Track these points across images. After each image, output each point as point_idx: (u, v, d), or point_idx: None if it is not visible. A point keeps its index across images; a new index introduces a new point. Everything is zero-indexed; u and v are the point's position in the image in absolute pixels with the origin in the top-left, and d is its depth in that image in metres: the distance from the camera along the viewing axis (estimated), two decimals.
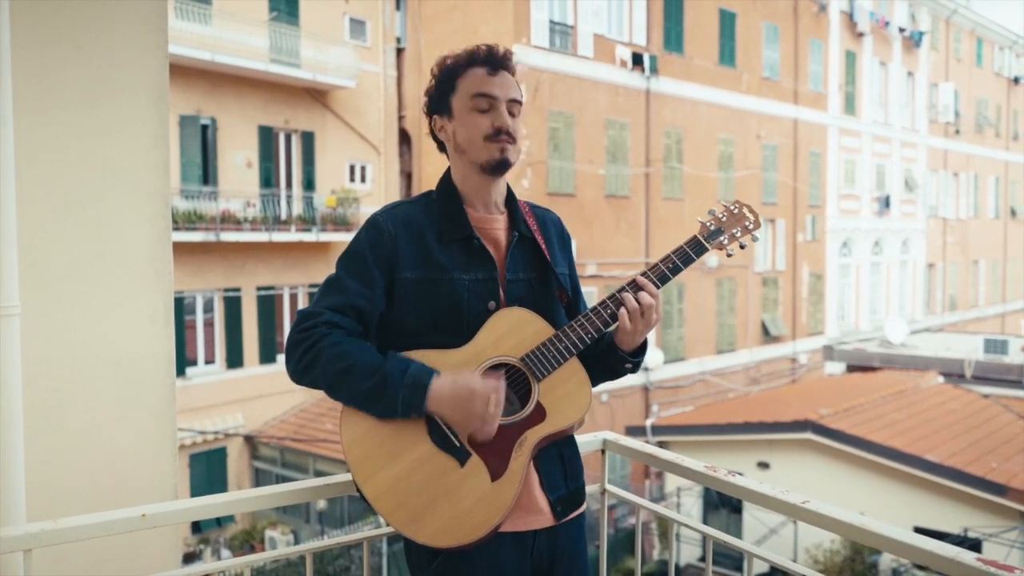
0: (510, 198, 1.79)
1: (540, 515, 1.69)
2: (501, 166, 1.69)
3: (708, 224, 1.75)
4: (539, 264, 1.76)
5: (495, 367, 1.63)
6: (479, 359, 1.63)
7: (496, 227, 1.75)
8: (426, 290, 1.66)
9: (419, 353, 1.63)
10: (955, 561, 1.32)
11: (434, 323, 1.66)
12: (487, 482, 1.58)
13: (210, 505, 1.75)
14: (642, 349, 1.75)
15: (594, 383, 1.78)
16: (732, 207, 1.77)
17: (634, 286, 1.67)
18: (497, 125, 1.67)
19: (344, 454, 1.61)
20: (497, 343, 1.63)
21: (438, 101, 1.73)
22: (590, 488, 2.19)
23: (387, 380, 1.56)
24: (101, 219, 2.01)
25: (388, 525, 1.65)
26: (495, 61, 1.70)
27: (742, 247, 1.77)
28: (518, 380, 1.65)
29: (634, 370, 1.76)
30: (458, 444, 1.59)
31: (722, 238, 1.75)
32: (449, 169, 1.79)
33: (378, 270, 1.66)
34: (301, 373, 1.62)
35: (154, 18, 2.09)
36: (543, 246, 1.76)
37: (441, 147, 1.78)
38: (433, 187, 1.80)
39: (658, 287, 1.68)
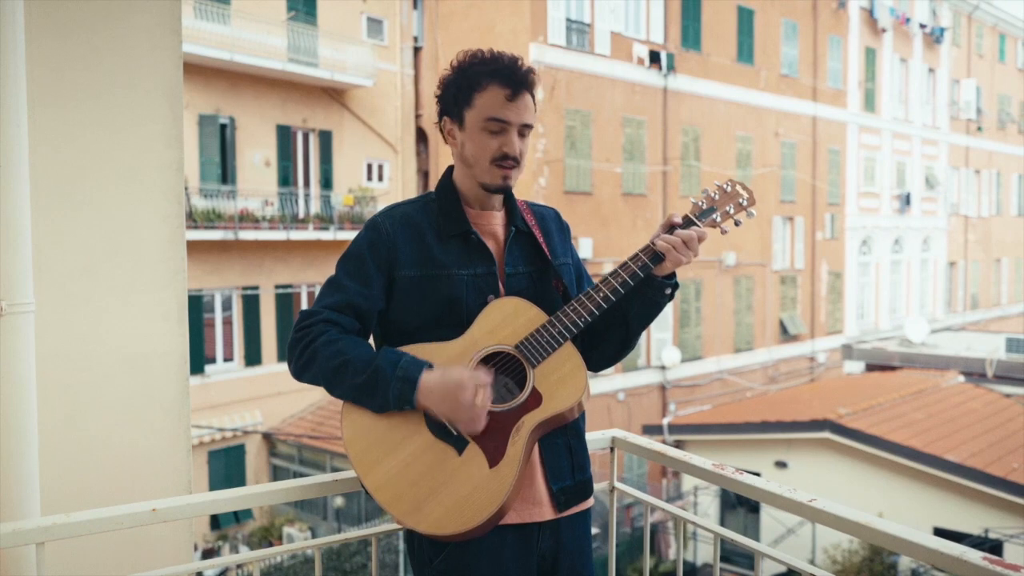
0: (508, 195, 1.81)
1: (542, 507, 1.70)
2: (501, 191, 1.73)
3: (700, 203, 1.75)
4: (538, 258, 1.78)
5: (490, 356, 1.65)
6: (474, 349, 1.65)
7: (494, 223, 1.78)
8: (426, 287, 1.69)
9: (416, 347, 1.66)
10: (961, 560, 1.31)
11: (436, 319, 1.68)
12: (485, 468, 1.60)
13: (220, 500, 1.77)
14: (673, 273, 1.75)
15: (636, 331, 1.79)
16: (725, 185, 1.76)
17: (648, 253, 1.68)
18: (505, 151, 1.68)
19: (345, 449, 1.65)
20: (492, 332, 1.66)
21: (452, 104, 1.72)
22: (601, 485, 2.19)
23: (379, 374, 1.59)
24: (115, 217, 2.03)
25: (390, 516, 1.67)
26: (517, 83, 1.67)
27: (737, 224, 1.76)
28: (515, 368, 1.66)
29: (671, 296, 1.75)
30: (455, 433, 1.61)
31: (714, 216, 1.74)
32: (450, 169, 1.81)
33: (376, 269, 1.69)
34: (300, 370, 1.67)
35: (168, 19, 2.10)
36: (541, 239, 1.79)
37: (446, 138, 1.80)
38: None
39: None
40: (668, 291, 1.73)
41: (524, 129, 1.70)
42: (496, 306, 1.67)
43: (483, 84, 1.67)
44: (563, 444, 1.73)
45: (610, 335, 1.79)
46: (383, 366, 1.59)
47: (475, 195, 1.76)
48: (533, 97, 1.71)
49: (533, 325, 1.65)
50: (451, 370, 1.58)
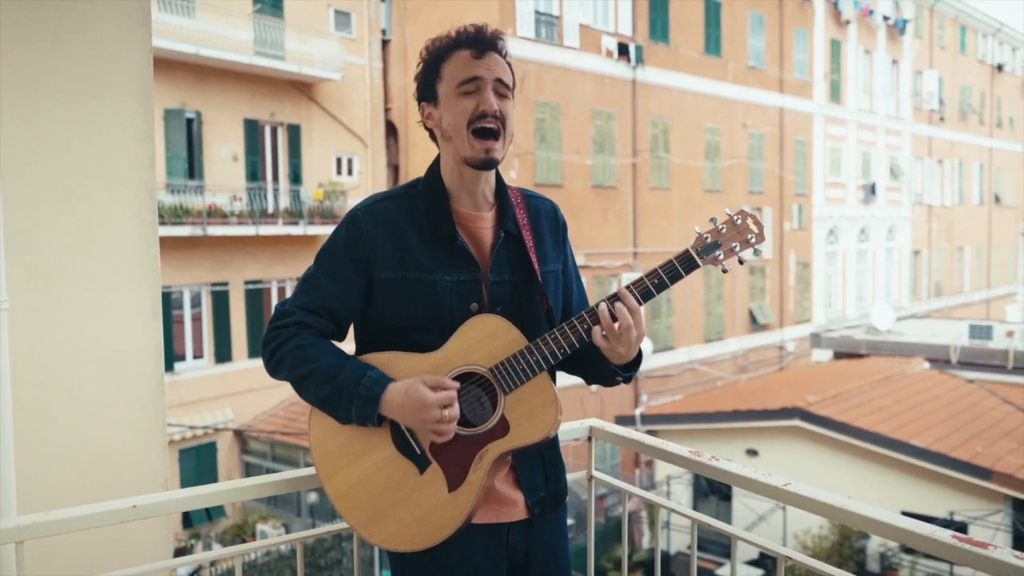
0: (501, 191, 1.71)
1: (514, 507, 1.68)
2: (485, 165, 1.62)
3: (704, 236, 1.61)
4: (525, 264, 1.69)
5: (463, 375, 1.60)
6: (449, 366, 1.59)
7: (482, 225, 1.68)
8: (406, 290, 1.62)
9: (390, 356, 1.62)
10: (931, 539, 1.35)
11: (416, 323, 1.62)
12: (444, 492, 1.58)
13: (200, 496, 1.77)
14: (635, 363, 1.66)
15: (589, 383, 1.78)
16: (735, 217, 1.61)
17: (615, 299, 1.58)
18: (483, 108, 1.59)
19: (311, 449, 1.65)
20: (469, 351, 1.59)
21: (424, 88, 1.66)
22: (578, 475, 2.22)
23: (342, 390, 1.57)
24: (87, 214, 2.01)
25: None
26: (482, 43, 1.61)
27: (741, 262, 1.63)
28: (489, 389, 1.61)
29: (626, 382, 1.70)
30: (419, 451, 1.59)
31: (718, 253, 1.60)
32: (438, 158, 1.71)
33: (354, 269, 1.64)
34: (272, 371, 1.66)
35: (138, 13, 2.08)
36: (531, 244, 1.69)
37: (433, 136, 1.71)
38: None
39: (640, 303, 1.58)
40: (618, 379, 1.68)
41: (501, 87, 1.61)
42: (476, 323, 1.60)
43: (448, 54, 1.62)
44: (536, 456, 1.70)
45: (598, 369, 1.73)
46: (346, 382, 1.56)
47: (464, 187, 1.67)
48: (505, 59, 1.64)
49: (511, 349, 1.58)
50: (414, 387, 1.53)
